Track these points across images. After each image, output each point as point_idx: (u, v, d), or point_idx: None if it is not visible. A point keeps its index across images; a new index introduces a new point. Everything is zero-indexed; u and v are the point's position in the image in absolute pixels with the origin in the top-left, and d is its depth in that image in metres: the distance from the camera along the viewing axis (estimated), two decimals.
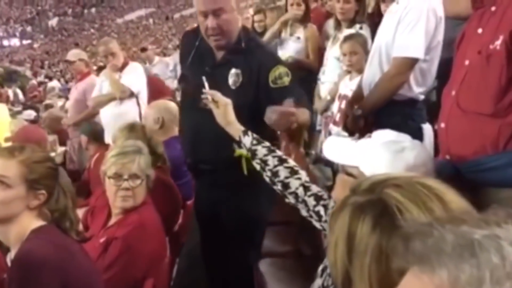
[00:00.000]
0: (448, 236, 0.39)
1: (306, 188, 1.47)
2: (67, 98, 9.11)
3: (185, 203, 2.60)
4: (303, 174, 1.52)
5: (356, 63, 2.86)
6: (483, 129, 1.32)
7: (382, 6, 2.71)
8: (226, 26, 1.88)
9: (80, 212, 2.34)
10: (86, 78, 4.61)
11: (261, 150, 1.56)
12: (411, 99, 2.18)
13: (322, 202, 1.43)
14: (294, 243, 2.82)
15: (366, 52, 2.71)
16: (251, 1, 12.99)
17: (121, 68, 3.99)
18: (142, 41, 24.43)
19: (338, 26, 3.37)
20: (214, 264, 2.11)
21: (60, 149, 4.53)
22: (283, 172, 1.50)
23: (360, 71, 2.66)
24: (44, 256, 1.28)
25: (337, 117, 2.87)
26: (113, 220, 1.91)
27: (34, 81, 13.81)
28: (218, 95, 1.70)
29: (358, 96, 2.37)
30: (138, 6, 39.23)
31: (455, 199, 0.78)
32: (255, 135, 1.61)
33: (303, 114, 1.78)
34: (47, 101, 8.07)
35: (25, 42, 38.65)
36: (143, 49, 6.18)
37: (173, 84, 4.90)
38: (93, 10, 41.89)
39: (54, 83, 13.30)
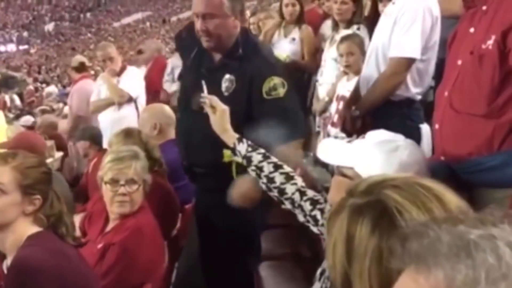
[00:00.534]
0: (444, 236, 0.39)
1: (302, 193, 1.48)
2: (65, 103, 9.12)
3: (183, 207, 2.60)
4: (298, 180, 1.53)
5: (353, 64, 2.87)
6: (477, 130, 1.32)
7: (380, 6, 2.72)
8: (214, 30, 1.88)
9: (78, 218, 2.35)
10: (78, 82, 4.65)
11: (256, 157, 1.56)
12: (408, 99, 2.19)
13: (318, 206, 1.43)
14: (294, 246, 2.81)
15: (363, 53, 2.72)
16: (249, 3, 13.02)
17: (119, 73, 4.00)
18: (139, 45, 24.42)
19: (335, 27, 3.38)
20: (213, 269, 2.11)
21: (58, 154, 4.52)
22: (278, 178, 1.51)
23: (357, 72, 2.66)
24: (40, 263, 1.28)
25: (335, 118, 2.87)
26: (110, 226, 1.92)
27: (31, 87, 13.81)
28: (216, 101, 1.69)
29: (355, 97, 2.38)
30: (135, 10, 39.28)
31: (453, 200, 0.78)
32: (249, 142, 1.61)
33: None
34: (43, 107, 8.07)
35: (21, 47, 38.68)
36: (140, 52, 6.17)
37: (170, 88, 4.89)
38: (89, 14, 41.94)
39: (52, 88, 13.31)
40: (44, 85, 15.25)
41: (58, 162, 4.43)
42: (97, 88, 4.12)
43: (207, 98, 1.70)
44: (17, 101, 11.90)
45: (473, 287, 0.34)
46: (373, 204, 0.81)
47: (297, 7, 3.80)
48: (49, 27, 41.39)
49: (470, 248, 0.37)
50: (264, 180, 1.53)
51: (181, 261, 2.58)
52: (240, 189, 1.74)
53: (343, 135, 2.46)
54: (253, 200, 1.72)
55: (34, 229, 1.38)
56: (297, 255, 2.63)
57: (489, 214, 0.41)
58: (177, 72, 4.35)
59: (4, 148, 2.91)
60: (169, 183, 2.50)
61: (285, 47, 3.79)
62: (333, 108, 3.02)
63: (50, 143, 4.34)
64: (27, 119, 7.21)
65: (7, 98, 11.61)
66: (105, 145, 3.57)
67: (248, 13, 4.90)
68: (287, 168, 1.55)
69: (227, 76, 1.92)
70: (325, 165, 2.77)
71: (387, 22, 2.17)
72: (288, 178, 1.51)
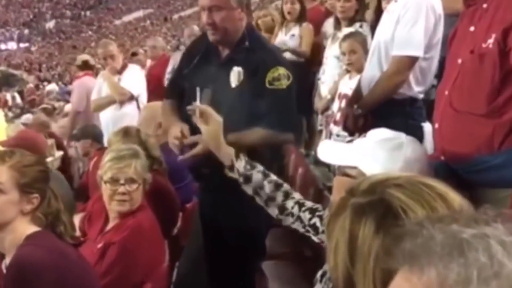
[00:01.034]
0: (438, 235, 0.39)
1: (300, 205, 1.47)
2: (66, 101, 9.14)
3: (184, 206, 2.61)
4: (296, 194, 1.52)
5: (355, 62, 2.87)
6: (477, 129, 1.32)
7: (383, 3, 2.71)
8: (220, 23, 1.91)
9: (78, 218, 2.35)
10: (79, 79, 4.66)
11: (256, 176, 1.52)
12: (410, 98, 2.19)
13: (317, 213, 1.42)
14: (296, 245, 2.81)
15: (366, 51, 2.72)
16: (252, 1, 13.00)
17: (120, 71, 4.00)
18: (140, 43, 24.44)
19: (337, 25, 3.39)
20: (216, 269, 2.12)
21: (58, 153, 4.54)
22: (279, 197, 1.50)
23: (360, 70, 2.66)
24: (40, 262, 1.29)
25: (337, 116, 2.87)
26: (110, 225, 1.92)
27: (31, 85, 13.83)
28: (210, 111, 1.62)
29: (357, 95, 2.38)
30: (136, 7, 39.27)
31: (456, 199, 0.78)
32: (247, 158, 1.56)
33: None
34: (44, 105, 8.08)
35: (22, 45, 38.73)
36: (134, 54, 6.23)
37: None
38: (90, 12, 41.97)
39: (53, 87, 13.33)
40: (45, 83, 15.27)
41: (58, 161, 4.44)
42: (97, 86, 4.13)
43: (199, 108, 1.62)
44: (18, 99, 11.93)
45: (465, 285, 0.35)
46: (377, 203, 0.80)
47: (297, 5, 3.81)
48: (50, 24, 41.44)
49: (463, 247, 0.37)
50: (264, 197, 1.52)
51: (182, 261, 2.59)
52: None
53: (345, 133, 2.46)
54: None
55: (33, 228, 1.39)
56: (299, 255, 2.64)
57: (483, 213, 0.41)
58: None
59: (5, 146, 2.92)
60: (169, 182, 2.50)
61: (286, 43, 3.83)
62: (335, 106, 3.02)
63: (50, 141, 4.35)
64: (28, 118, 7.22)
65: (8, 96, 11.63)
66: (106, 144, 3.58)
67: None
68: (286, 186, 1.53)
69: (235, 68, 1.95)
70: (327, 164, 2.78)
71: (390, 20, 2.17)
72: (287, 194, 1.50)
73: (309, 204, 1.47)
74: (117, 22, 38.26)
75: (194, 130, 1.81)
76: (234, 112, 1.88)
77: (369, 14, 3.28)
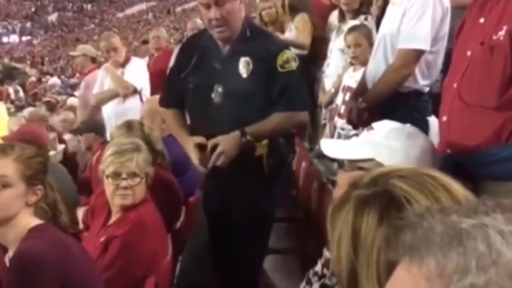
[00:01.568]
0: (437, 226, 0.39)
1: None
2: (68, 95, 9.15)
3: (186, 200, 2.61)
4: None
5: (360, 55, 2.86)
6: (486, 122, 1.31)
7: None
8: (229, 16, 1.90)
9: (81, 211, 2.37)
10: (91, 73, 4.62)
11: None
12: (416, 91, 2.18)
13: None
14: (298, 240, 2.82)
15: (371, 44, 2.70)
16: None
17: (123, 64, 3.99)
18: (143, 36, 24.44)
19: (342, 17, 3.37)
20: (221, 262, 2.13)
21: (60, 146, 4.55)
22: None
23: (364, 63, 2.65)
24: (43, 255, 1.29)
25: (342, 109, 2.87)
26: (112, 219, 1.92)
27: (33, 78, 13.86)
28: (216, 141, 1.90)
29: (362, 88, 2.37)
30: (139, 0, 39.23)
31: (460, 190, 0.78)
32: None
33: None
34: (48, 98, 8.10)
35: (24, 38, 38.77)
36: (145, 42, 6.20)
37: None
38: (93, 5, 41.92)
39: (55, 80, 13.35)
40: (47, 76, 15.29)
41: (61, 155, 4.45)
42: (100, 79, 4.11)
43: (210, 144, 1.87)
44: (21, 93, 11.96)
45: (464, 274, 0.35)
46: (380, 194, 0.79)
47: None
48: (52, 17, 41.46)
49: (462, 236, 0.37)
50: None
51: (185, 254, 2.60)
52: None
53: (349, 127, 2.46)
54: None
55: (35, 221, 1.40)
56: (301, 249, 2.64)
57: (482, 204, 0.41)
58: None
59: (9, 141, 2.93)
60: (172, 176, 2.51)
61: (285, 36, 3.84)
62: (339, 99, 3.01)
63: (52, 135, 4.36)
64: (29, 111, 7.25)
65: (10, 89, 11.67)
66: (108, 137, 3.58)
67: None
68: None
69: (242, 59, 1.96)
70: (331, 158, 2.77)
71: (396, 12, 2.15)
72: None
73: None
74: (120, 15, 38.24)
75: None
76: (249, 101, 1.94)
77: (374, 8, 3.27)
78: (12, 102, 10.25)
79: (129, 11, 37.99)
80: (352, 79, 2.86)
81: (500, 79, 1.27)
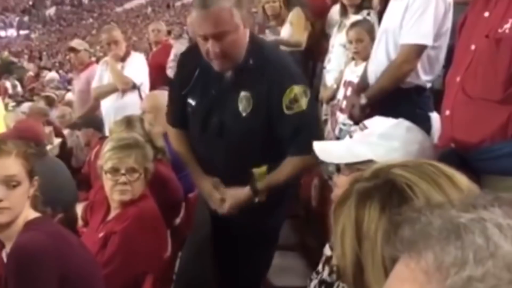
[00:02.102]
0: (435, 221, 0.40)
1: None
2: (66, 90, 9.14)
3: (186, 196, 2.62)
4: None
5: (362, 50, 2.85)
6: (491, 116, 1.31)
7: None
8: (231, 49, 1.67)
9: (80, 206, 2.37)
10: (89, 67, 4.61)
11: None
12: (418, 87, 2.18)
13: None
14: (300, 236, 2.83)
15: (373, 39, 2.69)
16: None
17: (123, 58, 3.98)
18: (142, 30, 24.38)
19: (344, 12, 3.36)
20: (224, 261, 2.12)
21: (56, 140, 4.55)
22: None
23: (366, 58, 2.65)
24: (41, 247, 1.29)
25: (343, 104, 2.87)
26: (112, 215, 1.92)
27: (31, 73, 13.84)
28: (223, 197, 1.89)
29: (363, 84, 2.37)
30: None
31: (463, 180, 0.78)
32: None
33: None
34: (47, 93, 8.10)
35: (22, 32, 38.68)
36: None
37: (172, 74, 4.90)
38: None
39: (53, 75, 13.33)
40: (45, 71, 15.27)
41: (57, 149, 4.45)
42: (99, 73, 4.10)
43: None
44: (19, 88, 11.94)
45: (462, 266, 0.36)
46: (381, 185, 0.80)
47: None
48: (50, 11, 41.34)
49: (460, 230, 0.38)
50: None
51: (185, 250, 2.60)
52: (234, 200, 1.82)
53: (351, 122, 2.46)
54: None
55: (33, 213, 1.40)
56: (303, 245, 2.65)
57: (481, 198, 0.42)
58: None
59: (7, 138, 2.93)
60: (173, 171, 2.52)
61: (283, 32, 3.83)
62: (340, 94, 3.01)
63: (48, 129, 4.37)
64: (26, 107, 7.26)
65: (8, 84, 11.65)
66: (107, 133, 3.59)
67: None
68: None
69: (243, 93, 1.74)
70: None
71: (398, 7, 2.15)
72: None
73: None
74: (119, 9, 38.13)
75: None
76: (249, 137, 1.76)
77: (376, 2, 3.26)
78: (10, 97, 10.23)
79: (128, 5, 37.87)
80: (353, 73, 2.86)
81: (505, 72, 1.27)
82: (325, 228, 2.18)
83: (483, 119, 1.33)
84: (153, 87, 4.06)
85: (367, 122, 1.31)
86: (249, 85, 1.74)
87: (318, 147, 1.32)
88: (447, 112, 1.44)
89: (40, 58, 23.45)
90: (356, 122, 2.30)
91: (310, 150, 1.67)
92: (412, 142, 1.22)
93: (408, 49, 2.10)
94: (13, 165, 1.36)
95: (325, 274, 1.28)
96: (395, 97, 2.14)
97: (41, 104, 6.05)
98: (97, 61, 5.20)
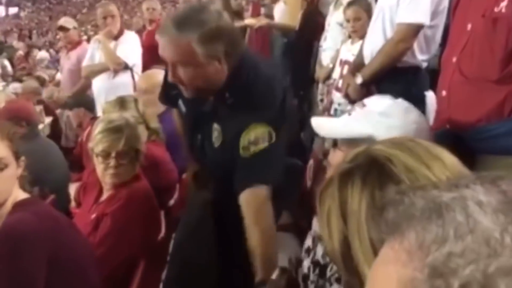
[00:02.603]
0: (418, 201, 0.41)
1: None
2: (57, 70, 9.04)
3: (181, 177, 2.62)
4: None
5: (359, 29, 2.83)
6: (488, 96, 1.31)
7: None
8: (191, 81, 1.56)
9: (73, 187, 2.37)
10: (78, 46, 4.54)
11: None
12: (414, 66, 2.17)
13: None
14: (293, 217, 2.84)
15: (370, 17, 2.67)
16: None
17: (117, 36, 3.90)
18: (134, 9, 24.07)
19: None
20: (220, 246, 2.13)
21: (47, 120, 4.52)
22: None
23: (363, 36, 2.63)
24: (31, 230, 1.29)
25: (339, 83, 2.86)
26: (104, 196, 1.92)
27: (21, 52, 13.66)
28: None
29: (359, 63, 2.36)
30: None
31: (451, 158, 0.78)
32: None
33: None
34: (39, 73, 8.01)
35: (11, 10, 38.07)
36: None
37: None
38: None
39: (44, 54, 13.17)
40: (36, 50, 15.06)
41: (48, 128, 4.42)
42: (90, 51, 4.02)
43: None
44: (9, 67, 11.79)
45: (442, 243, 0.37)
46: (362, 163, 0.81)
47: None
48: None
49: (441, 209, 0.39)
50: None
51: (179, 231, 2.62)
52: None
53: (346, 102, 2.46)
54: None
55: (22, 194, 1.40)
56: (296, 226, 2.67)
57: (463, 178, 0.43)
58: None
59: None
60: (167, 152, 2.51)
61: (277, 10, 3.80)
62: (336, 73, 3.00)
63: (39, 108, 4.33)
64: (15, 87, 7.18)
65: None
66: (99, 113, 3.56)
67: None
68: None
69: (215, 125, 1.68)
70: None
71: None
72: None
73: None
74: None
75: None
76: (226, 167, 1.65)
77: None
78: (0, 77, 10.11)
79: None
80: (349, 52, 2.85)
81: (502, 51, 1.27)
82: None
83: (479, 99, 1.34)
84: (146, 67, 4.02)
85: (366, 100, 1.32)
86: (223, 119, 1.66)
87: (316, 122, 1.33)
88: (444, 93, 1.44)
89: (30, 37, 23.14)
90: (352, 101, 2.30)
91: (261, 180, 1.54)
92: (410, 122, 1.23)
93: (404, 28, 2.09)
94: (0, 148, 1.36)
95: (318, 255, 1.29)
96: (391, 76, 2.13)
97: (33, 82, 5.98)
98: (88, 40, 5.13)
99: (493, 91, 1.31)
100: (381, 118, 1.23)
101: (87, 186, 2.15)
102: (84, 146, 3.27)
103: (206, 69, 1.54)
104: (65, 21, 4.80)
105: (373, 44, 2.23)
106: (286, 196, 1.97)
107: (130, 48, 3.90)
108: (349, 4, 2.93)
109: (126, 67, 3.83)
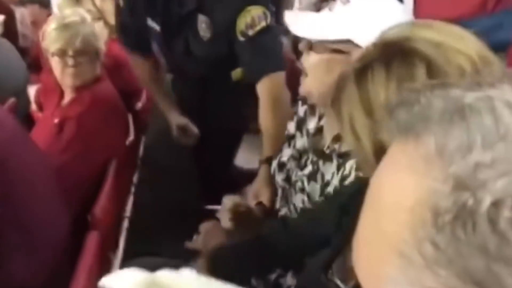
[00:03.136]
0: (436, 101, 0.35)
1: None
2: None
3: None
4: None
5: None
6: None
7: None
8: None
9: (32, 90, 2.26)
10: None
11: None
12: None
13: None
14: None
15: None
16: None
17: None
18: None
19: None
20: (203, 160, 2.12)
21: (0, 17, 4.21)
22: None
23: None
24: None
25: None
26: (66, 99, 1.83)
27: None
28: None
29: None
30: None
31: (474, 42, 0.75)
32: None
33: None
34: None
35: None
36: None
37: None
38: None
39: None
40: None
41: (1, 27, 4.14)
42: None
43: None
44: None
45: (468, 151, 0.31)
46: (378, 53, 0.73)
47: None
48: None
49: (464, 111, 0.33)
50: None
51: (149, 134, 2.59)
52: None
53: None
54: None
55: None
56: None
57: (488, 75, 0.37)
58: None
59: None
60: None
61: None
62: None
63: None
64: None
65: None
66: (55, 9, 3.33)
67: None
68: None
69: (202, 17, 1.64)
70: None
71: None
72: None
73: None
74: None
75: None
76: (216, 61, 1.70)
77: None
78: None
79: None
80: None
81: None
82: None
83: None
84: None
85: None
86: (210, 9, 1.62)
87: (290, 18, 1.16)
88: None
89: None
90: None
91: (261, 74, 1.58)
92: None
93: None
94: None
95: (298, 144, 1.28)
96: None
97: None
98: None
99: None
100: (361, 20, 1.06)
101: (46, 87, 2.04)
102: (41, 46, 3.08)
103: None
104: None
105: None
106: None
107: None
108: None
109: None
